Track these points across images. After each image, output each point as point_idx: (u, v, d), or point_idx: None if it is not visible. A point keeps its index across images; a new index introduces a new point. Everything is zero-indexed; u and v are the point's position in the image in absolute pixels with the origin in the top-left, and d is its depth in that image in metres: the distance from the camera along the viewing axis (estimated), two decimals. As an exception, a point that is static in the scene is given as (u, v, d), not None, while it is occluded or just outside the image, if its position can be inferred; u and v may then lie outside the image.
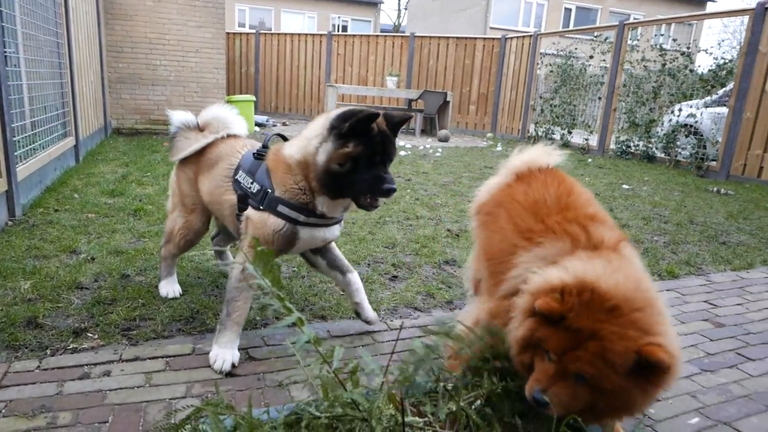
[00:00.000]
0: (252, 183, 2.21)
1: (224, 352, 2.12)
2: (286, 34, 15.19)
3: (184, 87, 9.80)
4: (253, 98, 11.02)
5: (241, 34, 15.41)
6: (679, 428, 1.91)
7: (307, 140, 2.07)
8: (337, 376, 1.32)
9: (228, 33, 14.90)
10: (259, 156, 2.27)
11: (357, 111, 1.93)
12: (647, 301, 1.38)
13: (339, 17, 31.40)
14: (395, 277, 3.24)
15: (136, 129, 9.54)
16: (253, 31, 15.67)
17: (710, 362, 2.42)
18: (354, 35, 14.87)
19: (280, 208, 2.13)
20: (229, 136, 2.63)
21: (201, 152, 2.59)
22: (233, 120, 2.69)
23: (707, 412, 2.02)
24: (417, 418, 1.31)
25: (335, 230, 2.33)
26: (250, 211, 2.21)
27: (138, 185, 5.23)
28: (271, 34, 15.35)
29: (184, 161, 2.66)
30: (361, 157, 1.97)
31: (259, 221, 2.16)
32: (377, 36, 14.69)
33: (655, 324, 1.33)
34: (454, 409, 1.32)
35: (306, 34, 15.03)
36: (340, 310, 2.71)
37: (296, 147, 2.13)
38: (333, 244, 2.52)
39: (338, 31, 28.90)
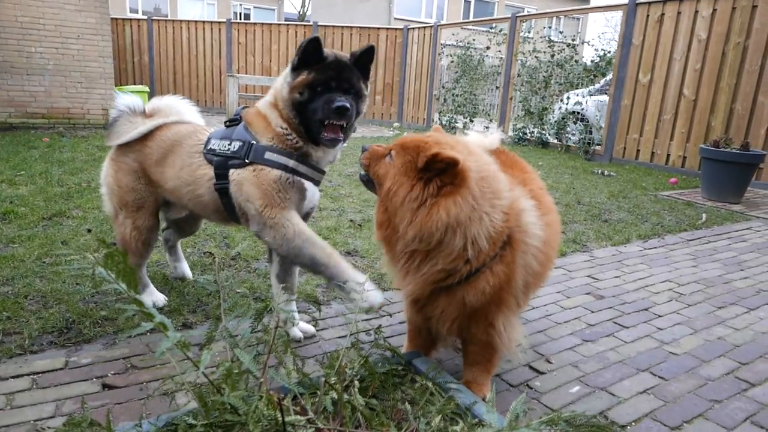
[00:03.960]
0: (230, 143, 2.10)
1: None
2: (181, 21, 14.36)
3: (66, 77, 8.97)
4: (146, 89, 10.35)
5: (131, 20, 14.39)
6: (562, 398, 2.03)
7: (278, 84, 2.09)
8: (211, 381, 1.25)
9: (116, 19, 13.84)
10: (231, 123, 2.19)
11: (301, 43, 1.99)
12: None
13: (241, 5, 30.27)
14: (295, 270, 3.17)
15: (9, 123, 8.61)
16: (145, 17, 14.66)
17: (591, 332, 2.60)
18: (255, 23, 14.37)
19: (268, 155, 2.03)
20: (180, 122, 2.42)
21: (149, 138, 2.35)
22: (187, 109, 2.51)
23: (587, 380, 2.16)
24: (299, 417, 1.27)
25: (317, 194, 2.24)
26: (236, 174, 2.06)
27: (9, 185, 4.72)
28: (165, 20, 14.46)
29: (124, 150, 2.39)
30: (316, 84, 1.98)
31: (252, 176, 2.03)
32: (279, 24, 14.31)
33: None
34: (336, 398, 1.29)
35: (204, 22, 14.32)
36: (235, 309, 2.60)
37: (267, 95, 2.15)
38: None
39: (240, 19, 27.83)
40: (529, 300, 2.09)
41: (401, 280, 1.79)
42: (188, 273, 2.96)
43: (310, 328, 2.39)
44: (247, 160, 2.05)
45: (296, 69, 2.01)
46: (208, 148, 2.17)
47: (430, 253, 1.67)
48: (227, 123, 2.22)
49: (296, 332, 2.35)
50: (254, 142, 2.07)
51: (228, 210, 2.19)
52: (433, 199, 1.59)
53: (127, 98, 2.46)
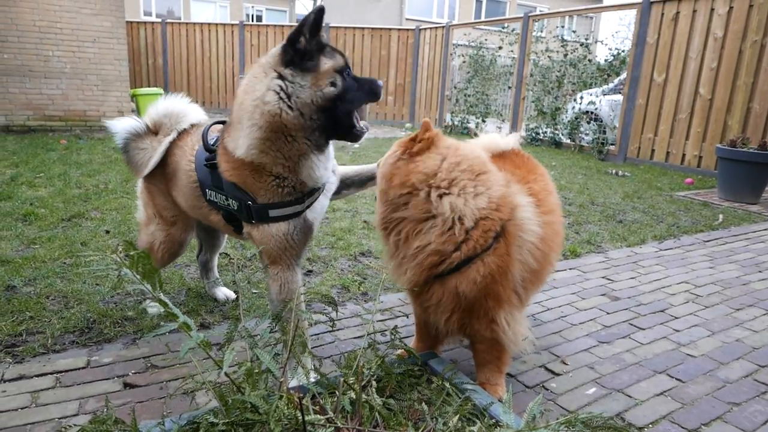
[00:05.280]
0: (227, 200, 1.92)
1: None
2: (195, 23, 14.51)
3: (82, 80, 9.10)
4: (161, 91, 10.44)
5: (145, 23, 14.56)
6: (578, 399, 2.03)
7: (257, 108, 1.71)
8: (233, 381, 1.27)
9: (131, 22, 14.02)
10: (211, 164, 1.94)
11: (302, 22, 1.66)
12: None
13: (253, 7, 30.45)
14: (310, 271, 3.20)
15: (28, 126, 8.74)
16: (159, 20, 14.83)
17: (607, 334, 2.59)
18: (267, 25, 14.48)
19: (273, 213, 1.86)
20: (182, 132, 2.23)
21: (163, 162, 2.23)
22: (183, 110, 2.27)
23: (603, 382, 2.16)
24: (318, 416, 1.29)
25: (332, 181, 2.09)
26: (247, 228, 1.96)
27: (29, 187, 4.81)
28: (179, 23, 14.61)
29: (150, 175, 2.28)
30: (345, 67, 1.75)
31: (264, 236, 1.89)
32: (292, 26, 14.32)
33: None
34: (354, 397, 1.30)
35: (216, 24, 14.45)
36: (252, 309, 2.64)
37: (243, 134, 1.76)
38: (345, 171, 2.26)
39: (253, 21, 28.03)
40: (529, 298, 2.10)
41: (397, 267, 1.84)
42: (221, 296, 2.76)
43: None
44: (253, 221, 1.91)
45: (310, 58, 1.68)
46: (208, 199, 2.02)
47: (418, 226, 1.73)
48: (207, 164, 1.97)
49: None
50: (250, 202, 1.86)
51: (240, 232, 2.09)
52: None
53: (124, 123, 2.29)
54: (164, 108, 2.28)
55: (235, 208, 1.91)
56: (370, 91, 1.79)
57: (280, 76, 1.70)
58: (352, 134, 1.84)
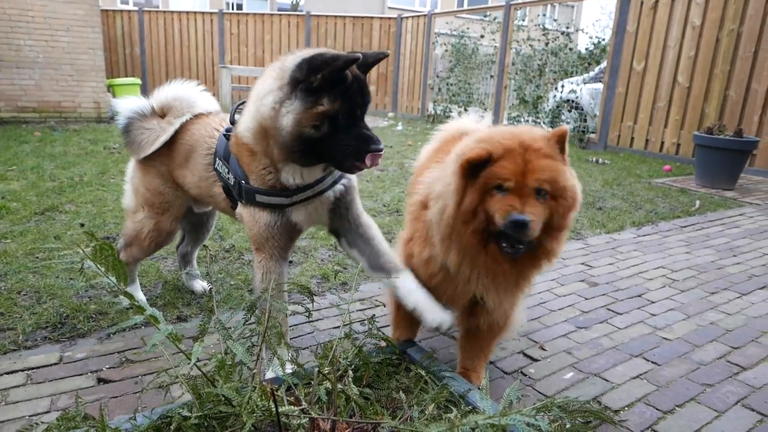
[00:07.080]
0: (228, 173, 1.95)
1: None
2: (173, 12, 14.23)
3: (56, 70, 8.87)
4: (139, 81, 10.27)
5: (122, 11, 14.23)
6: (555, 384, 2.04)
7: (259, 100, 1.71)
8: (204, 373, 1.25)
9: (106, 10, 13.70)
10: (228, 136, 1.99)
11: (330, 58, 1.59)
12: None
13: (232, -5, 29.93)
14: (290, 262, 3.17)
15: (0, 118, 8.52)
16: (136, 8, 14.52)
17: (585, 319, 2.61)
18: (247, 14, 14.26)
19: (259, 198, 1.86)
20: (197, 115, 2.24)
21: (171, 141, 2.21)
22: (198, 96, 2.29)
23: (580, 366, 2.18)
24: (293, 407, 1.27)
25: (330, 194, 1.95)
26: (239, 209, 1.97)
27: (1, 180, 4.69)
28: (157, 11, 14.31)
29: (151, 157, 2.24)
30: (340, 115, 1.64)
31: (249, 219, 1.91)
32: (272, 15, 14.20)
33: None
34: (330, 387, 1.29)
35: (195, 12, 14.19)
36: (228, 301, 2.60)
37: (246, 115, 1.79)
38: (374, 232, 2.01)
39: (233, 9, 27.56)
40: None
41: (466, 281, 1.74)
42: (198, 288, 2.73)
43: None
44: (243, 201, 1.93)
45: (311, 93, 1.63)
46: (215, 168, 2.05)
47: None
48: (226, 135, 2.01)
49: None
50: (243, 180, 1.88)
51: None
52: None
53: (130, 103, 2.29)
54: (174, 92, 2.29)
55: (231, 183, 1.94)
56: (363, 150, 1.65)
57: (283, 91, 1.66)
58: (342, 168, 1.77)
